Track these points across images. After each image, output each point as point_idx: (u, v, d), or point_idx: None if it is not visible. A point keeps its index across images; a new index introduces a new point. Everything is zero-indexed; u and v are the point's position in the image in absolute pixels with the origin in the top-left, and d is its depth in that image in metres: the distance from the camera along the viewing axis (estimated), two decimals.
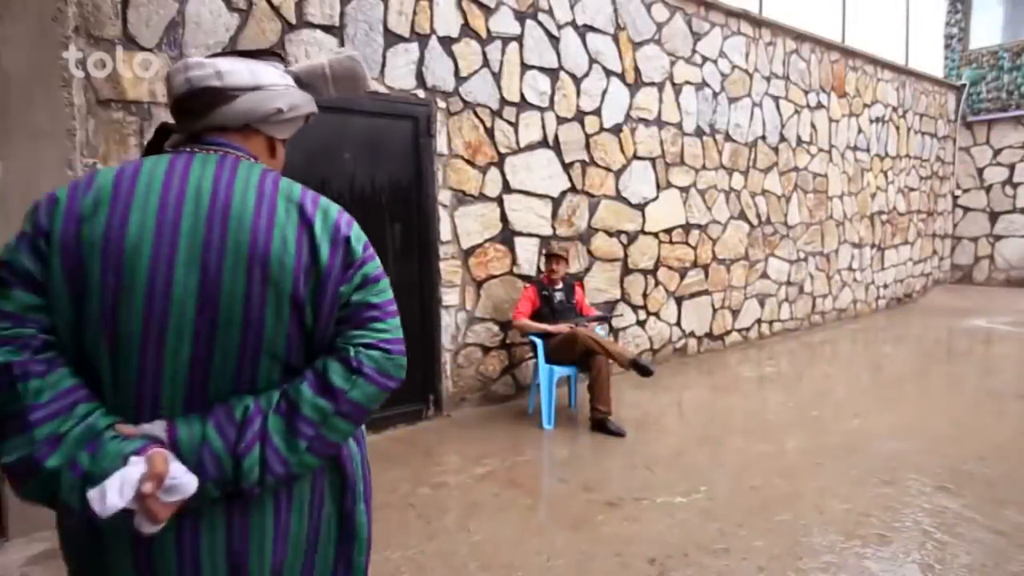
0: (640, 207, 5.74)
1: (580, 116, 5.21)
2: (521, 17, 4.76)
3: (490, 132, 4.64)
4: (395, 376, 1.05)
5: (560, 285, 4.52)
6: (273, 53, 1.17)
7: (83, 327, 0.94)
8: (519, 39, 4.77)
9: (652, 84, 5.75)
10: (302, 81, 1.17)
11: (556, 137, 5.06)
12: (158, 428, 0.95)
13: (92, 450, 0.91)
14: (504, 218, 4.76)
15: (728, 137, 6.52)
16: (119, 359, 0.95)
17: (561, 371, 4.33)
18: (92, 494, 0.86)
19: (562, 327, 4.27)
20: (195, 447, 0.93)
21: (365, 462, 1.18)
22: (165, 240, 0.94)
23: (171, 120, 1.13)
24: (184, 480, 0.91)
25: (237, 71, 1.07)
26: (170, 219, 0.95)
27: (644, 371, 4.03)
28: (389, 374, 1.03)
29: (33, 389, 0.91)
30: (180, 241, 0.95)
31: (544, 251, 4.74)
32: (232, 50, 1.32)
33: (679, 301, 6.19)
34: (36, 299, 0.93)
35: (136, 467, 0.89)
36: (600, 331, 4.71)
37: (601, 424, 4.12)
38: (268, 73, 1.11)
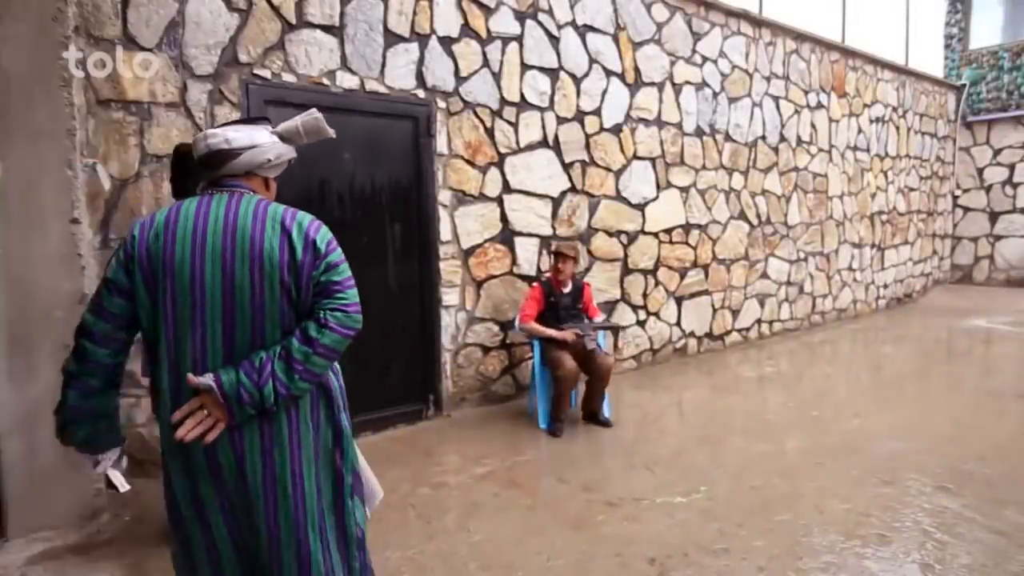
0: (640, 207, 5.74)
1: (580, 116, 5.21)
2: (521, 17, 4.76)
3: (490, 132, 4.64)
4: (352, 327, 1.54)
5: (568, 287, 4.35)
6: (263, 118, 1.71)
7: (157, 315, 1.49)
8: (519, 39, 4.77)
9: (652, 84, 5.75)
10: (283, 137, 1.69)
11: (556, 137, 5.06)
12: (209, 379, 1.45)
13: (101, 425, 1.59)
14: (504, 218, 4.76)
15: (728, 137, 6.52)
16: (179, 332, 1.47)
17: None
18: (104, 456, 1.63)
19: (567, 334, 4.17)
20: (234, 386, 1.44)
21: (342, 388, 1.71)
22: (197, 253, 1.47)
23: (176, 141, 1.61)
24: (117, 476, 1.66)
25: (239, 137, 1.60)
26: (199, 239, 1.47)
27: (603, 423, 4.31)
28: (348, 326, 1.53)
29: (107, 379, 1.55)
30: (207, 252, 1.47)
31: (551, 250, 4.65)
32: (235, 120, 1.82)
33: (679, 301, 6.19)
34: (126, 303, 1.50)
35: (114, 453, 1.64)
36: (603, 340, 4.62)
37: (592, 416, 4.31)
38: (260, 135, 1.64)
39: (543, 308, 4.30)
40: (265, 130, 1.66)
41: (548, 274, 4.57)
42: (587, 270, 5.36)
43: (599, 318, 4.49)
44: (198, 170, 1.69)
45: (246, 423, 1.49)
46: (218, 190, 1.58)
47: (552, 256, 4.44)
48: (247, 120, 1.68)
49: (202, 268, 1.45)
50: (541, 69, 4.92)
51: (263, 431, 1.51)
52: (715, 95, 6.35)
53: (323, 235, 1.55)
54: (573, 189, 5.21)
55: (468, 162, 4.53)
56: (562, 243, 4.56)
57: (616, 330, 4.69)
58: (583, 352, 4.17)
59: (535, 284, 4.45)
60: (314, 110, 1.73)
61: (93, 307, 1.51)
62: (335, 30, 3.89)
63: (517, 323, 4.42)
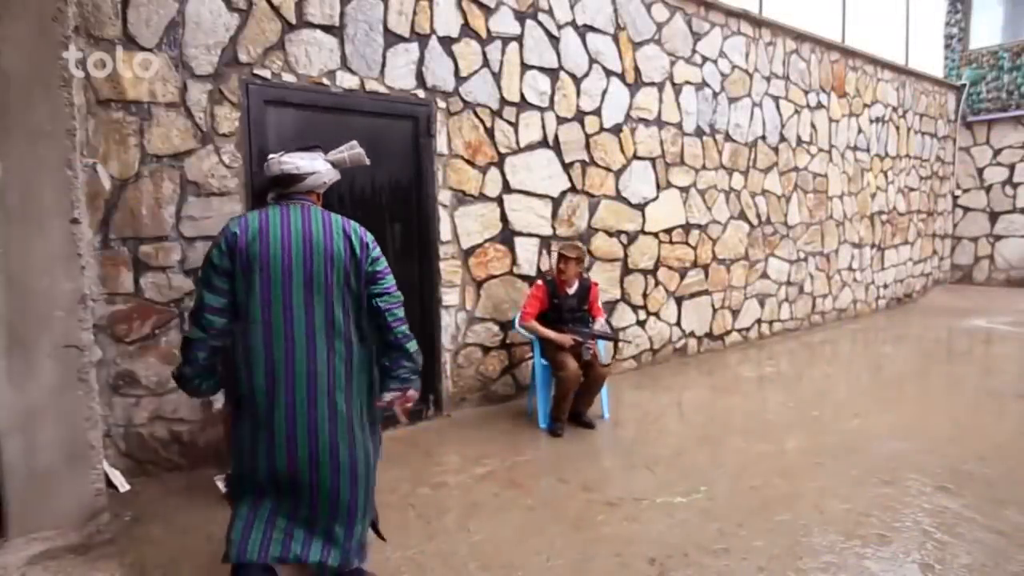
0: (640, 207, 5.74)
1: (580, 116, 5.21)
2: (521, 17, 4.76)
3: (490, 132, 4.64)
4: (397, 299, 2.17)
5: (574, 288, 4.27)
6: (317, 146, 2.25)
7: (252, 296, 2.00)
8: (519, 39, 4.77)
9: (652, 84, 5.75)
10: (334, 163, 2.25)
11: (556, 137, 5.06)
12: (394, 394, 2.24)
13: (214, 377, 2.16)
14: (504, 218, 4.76)
15: (728, 137, 6.52)
16: (273, 311, 2.00)
17: None
18: (215, 398, 2.55)
19: (565, 339, 4.10)
20: (412, 380, 2.25)
21: (373, 353, 2.23)
22: (286, 252, 2.02)
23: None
24: None
25: (305, 165, 2.16)
26: (286, 244, 2.03)
27: (586, 424, 4.30)
28: (394, 300, 2.16)
29: (220, 339, 2.07)
30: (292, 252, 2.02)
31: (555, 250, 4.58)
32: (298, 147, 2.28)
33: (679, 301, 6.19)
34: (228, 281, 2.02)
35: (220, 396, 2.46)
36: (601, 347, 4.52)
37: (576, 416, 4.29)
38: (319, 162, 2.20)
39: (546, 308, 4.24)
40: (321, 158, 2.23)
41: (552, 277, 4.40)
42: (587, 270, 5.36)
43: (601, 319, 4.41)
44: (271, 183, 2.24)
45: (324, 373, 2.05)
46: (291, 202, 2.14)
47: (556, 257, 4.39)
48: (307, 148, 2.23)
49: (290, 266, 2.01)
50: (541, 69, 4.92)
51: (329, 379, 2.07)
52: (715, 95, 6.35)
53: (371, 239, 2.16)
54: (573, 189, 5.21)
55: (468, 162, 4.53)
56: (565, 244, 4.47)
57: (615, 341, 4.60)
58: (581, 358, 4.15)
59: (539, 282, 4.35)
60: (355, 143, 2.28)
61: (206, 286, 2.02)
62: (335, 30, 3.89)
63: (517, 321, 4.39)
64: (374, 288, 2.11)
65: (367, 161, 2.28)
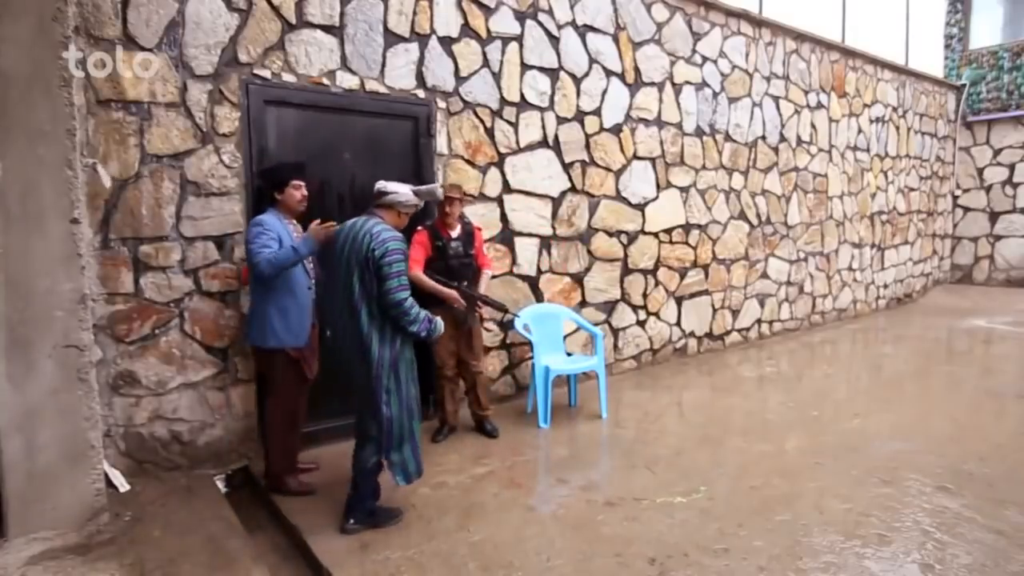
0: (640, 207, 5.74)
1: (580, 116, 5.21)
2: (521, 17, 4.76)
3: (490, 132, 4.64)
4: (397, 297, 2.79)
5: (457, 231, 3.94)
6: (406, 183, 3.05)
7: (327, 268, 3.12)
8: (519, 39, 4.77)
9: (652, 84, 5.75)
10: (416, 193, 3.01)
11: (556, 137, 5.06)
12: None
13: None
14: (504, 218, 4.76)
15: (728, 137, 6.52)
16: (330, 276, 3.00)
17: (558, 370, 4.34)
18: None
19: (452, 293, 3.76)
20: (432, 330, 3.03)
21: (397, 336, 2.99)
22: (343, 242, 2.89)
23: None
24: None
25: (390, 187, 2.96)
26: (347, 235, 2.89)
27: (488, 433, 4.13)
28: (394, 295, 2.80)
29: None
30: (346, 241, 2.87)
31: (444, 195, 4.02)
32: (398, 181, 3.04)
33: (679, 301, 6.19)
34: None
35: None
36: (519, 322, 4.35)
37: (479, 423, 4.19)
38: (401, 187, 2.97)
39: (431, 255, 3.86)
40: (408, 187, 3.00)
41: (436, 221, 3.98)
42: (587, 270, 5.37)
43: (488, 272, 4.16)
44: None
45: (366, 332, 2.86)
46: (369, 211, 2.97)
47: (439, 204, 3.95)
48: (400, 183, 3.02)
49: (343, 250, 2.86)
50: (541, 69, 4.92)
51: (372, 333, 2.86)
52: (715, 95, 6.35)
53: (383, 247, 2.77)
54: (573, 189, 5.21)
55: (468, 162, 4.53)
56: (448, 185, 4.08)
57: (504, 312, 4.12)
58: (466, 333, 3.98)
59: (420, 228, 3.90)
60: (436, 185, 3.31)
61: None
62: (335, 30, 3.89)
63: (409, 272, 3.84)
64: (380, 284, 2.78)
65: (439, 195, 3.27)
